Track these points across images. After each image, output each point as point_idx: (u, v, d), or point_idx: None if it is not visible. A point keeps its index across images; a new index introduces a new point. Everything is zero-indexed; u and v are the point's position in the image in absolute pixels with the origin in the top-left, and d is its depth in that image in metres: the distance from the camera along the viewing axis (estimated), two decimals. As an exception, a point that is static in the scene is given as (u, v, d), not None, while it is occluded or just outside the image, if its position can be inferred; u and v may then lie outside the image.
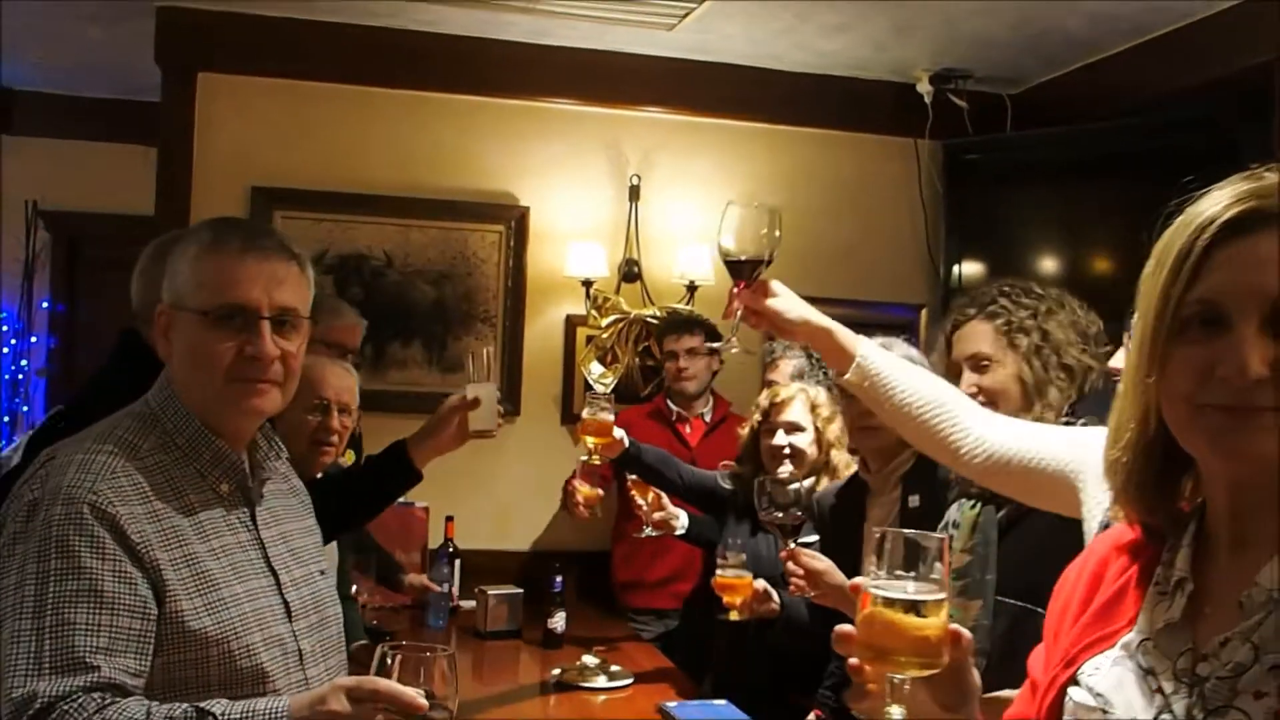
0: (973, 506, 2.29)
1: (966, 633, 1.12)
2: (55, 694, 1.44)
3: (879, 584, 1.11)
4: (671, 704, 2.96)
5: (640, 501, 3.64)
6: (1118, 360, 2.08)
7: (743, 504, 3.30)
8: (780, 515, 2.64)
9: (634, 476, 3.69)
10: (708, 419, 4.59)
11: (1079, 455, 1.79)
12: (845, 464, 3.21)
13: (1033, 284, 2.38)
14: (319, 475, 2.87)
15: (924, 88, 5.11)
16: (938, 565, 1.11)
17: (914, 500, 2.66)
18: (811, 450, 3.27)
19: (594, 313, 5.00)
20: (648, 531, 3.70)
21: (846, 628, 1.12)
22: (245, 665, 1.61)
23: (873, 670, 1.10)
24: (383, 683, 1.41)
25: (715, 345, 2.02)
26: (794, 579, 2.56)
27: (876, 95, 5.26)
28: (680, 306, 4.97)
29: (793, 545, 2.60)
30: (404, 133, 4.94)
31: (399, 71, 4.89)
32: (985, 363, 2.28)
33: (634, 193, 5.08)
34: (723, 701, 2.96)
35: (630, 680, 3.27)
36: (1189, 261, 1.04)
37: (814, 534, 2.93)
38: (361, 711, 1.42)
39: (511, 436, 4.93)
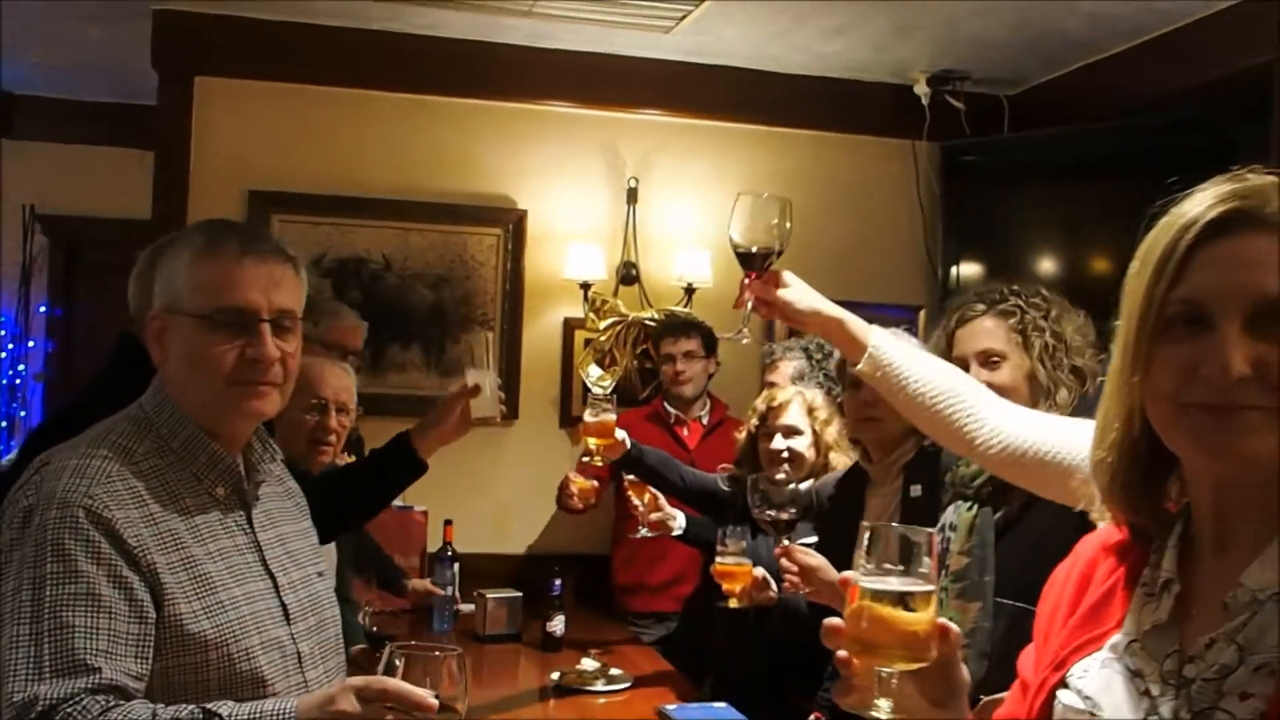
0: (969, 508, 2.28)
1: (954, 627, 1.12)
2: (57, 697, 1.44)
3: (867, 578, 1.10)
4: (671, 707, 2.96)
5: (636, 502, 3.64)
6: None
7: (742, 506, 3.29)
8: (773, 513, 2.64)
9: (631, 477, 3.68)
10: (705, 421, 4.59)
11: None
12: (843, 466, 3.21)
13: (1039, 286, 2.38)
14: (317, 473, 2.88)
15: (921, 89, 5.11)
16: (926, 559, 1.10)
17: (915, 490, 2.65)
18: (809, 453, 3.27)
19: (592, 315, 4.99)
20: (644, 532, 3.69)
21: (835, 621, 1.12)
22: (244, 669, 1.61)
23: (860, 664, 1.10)
24: (392, 682, 1.41)
25: (727, 335, 2.02)
26: (788, 575, 2.56)
27: (874, 97, 5.26)
28: (678, 309, 4.96)
29: (786, 542, 2.60)
30: (402, 136, 4.94)
31: (397, 75, 4.89)
32: (996, 359, 2.27)
33: (632, 195, 5.08)
34: (722, 704, 2.96)
35: (629, 683, 3.27)
36: (1172, 261, 1.05)
37: (812, 535, 2.93)
38: (371, 711, 1.41)
39: (510, 439, 4.94)
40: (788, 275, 1.96)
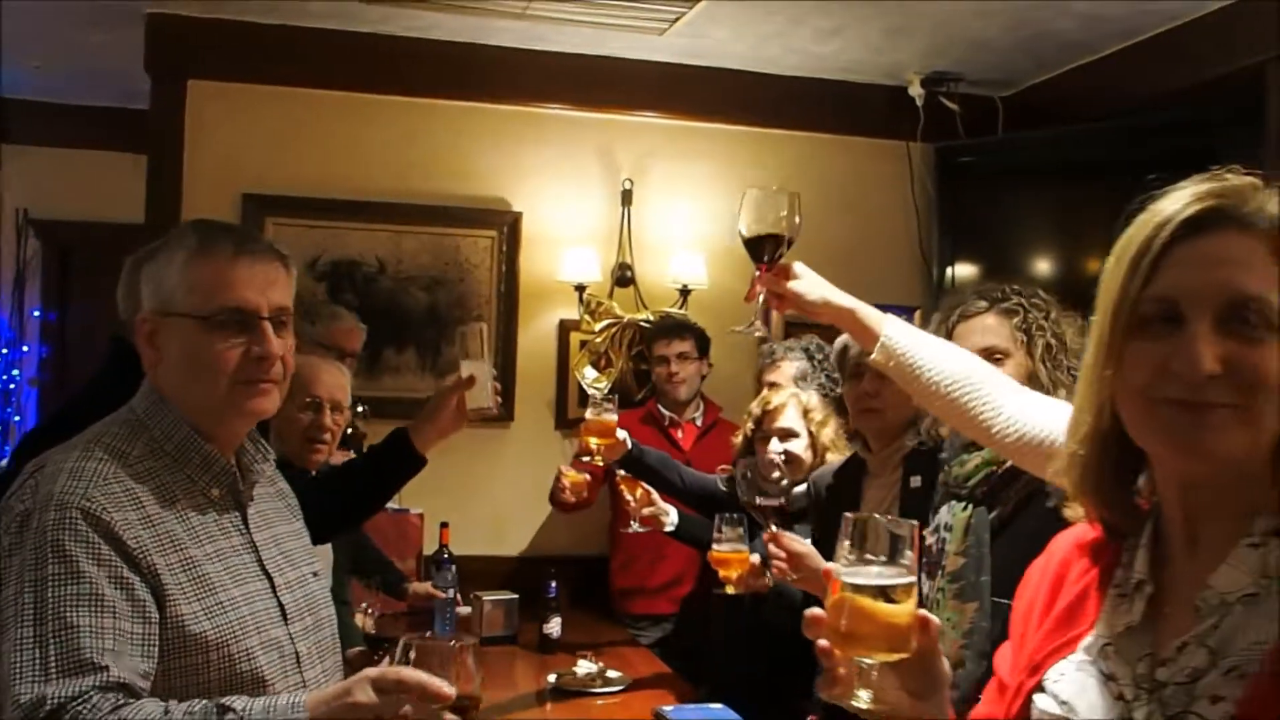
0: (964, 509, 2.29)
1: (934, 619, 1.12)
2: (65, 695, 1.43)
3: (848, 569, 1.11)
4: (668, 708, 2.96)
5: (629, 497, 3.63)
6: None
7: (742, 506, 3.31)
8: (761, 500, 2.65)
9: (623, 472, 3.68)
10: (699, 423, 4.59)
11: None
12: (841, 461, 3.22)
13: (1036, 288, 2.38)
14: (314, 472, 2.88)
15: (916, 90, 5.12)
16: (908, 552, 1.11)
17: (916, 481, 2.65)
18: (806, 455, 3.28)
19: (587, 317, 4.99)
20: (635, 527, 3.69)
21: (816, 611, 1.12)
22: (244, 669, 1.61)
23: (841, 654, 1.10)
24: (408, 672, 1.40)
25: (739, 329, 2.02)
26: (776, 562, 2.56)
27: (868, 98, 5.27)
28: (674, 310, 4.97)
29: (774, 529, 2.61)
30: (395, 138, 4.94)
31: (390, 77, 4.89)
32: (999, 356, 2.27)
33: (626, 197, 5.08)
34: (719, 705, 2.96)
35: (626, 685, 3.27)
36: (1148, 258, 1.06)
37: (806, 537, 2.94)
38: (387, 702, 1.40)
39: (505, 441, 4.94)
40: (798, 266, 1.96)
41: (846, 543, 1.12)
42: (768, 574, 2.83)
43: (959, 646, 2.15)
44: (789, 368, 3.80)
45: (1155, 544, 1.15)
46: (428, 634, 1.42)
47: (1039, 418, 1.83)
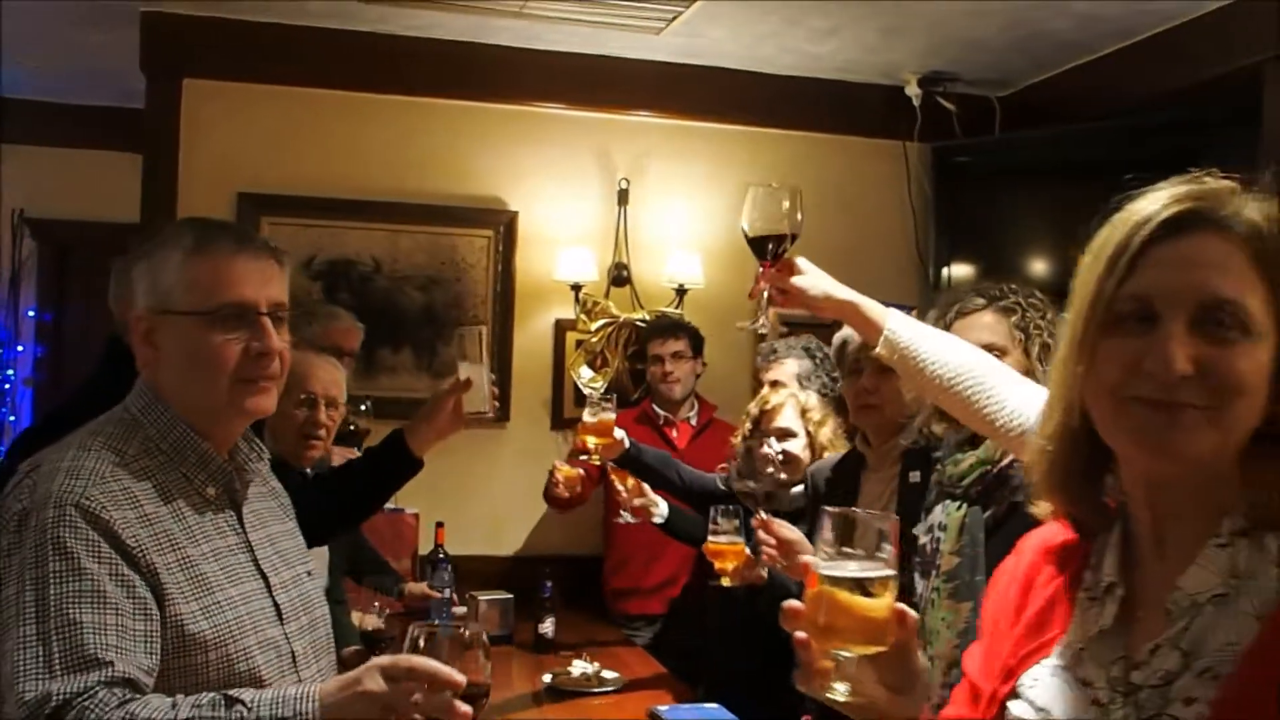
0: (958, 508, 2.29)
1: (912, 613, 1.11)
2: (71, 691, 1.42)
3: (826, 562, 1.11)
4: (663, 708, 2.96)
5: (620, 487, 3.62)
6: None
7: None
8: (752, 485, 2.65)
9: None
10: (694, 423, 4.59)
11: None
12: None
13: (1033, 289, 2.39)
14: (310, 471, 2.88)
15: (912, 90, 5.12)
16: (887, 545, 1.11)
17: (914, 477, 2.65)
18: (804, 455, 3.27)
19: (583, 317, 4.99)
20: (626, 517, 3.69)
21: (794, 603, 1.12)
22: (242, 669, 1.60)
23: (818, 647, 1.10)
24: (419, 660, 1.40)
25: (744, 324, 2.05)
26: (766, 548, 2.56)
27: (865, 98, 5.26)
28: (670, 310, 4.96)
29: (764, 515, 2.61)
30: (392, 137, 4.93)
31: (387, 76, 4.88)
32: (996, 353, 2.27)
33: (623, 196, 5.08)
34: (714, 705, 2.96)
35: (622, 685, 3.27)
36: (1125, 257, 1.07)
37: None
38: (398, 690, 1.39)
39: (501, 441, 4.94)
40: (801, 262, 1.98)
41: (826, 536, 1.12)
42: (764, 567, 2.83)
43: (954, 646, 2.15)
44: (790, 365, 3.80)
45: (1124, 545, 1.15)
46: (437, 623, 1.41)
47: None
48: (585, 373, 4.96)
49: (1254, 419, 1.04)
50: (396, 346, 4.90)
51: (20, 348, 6.35)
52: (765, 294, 1.98)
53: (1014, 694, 1.17)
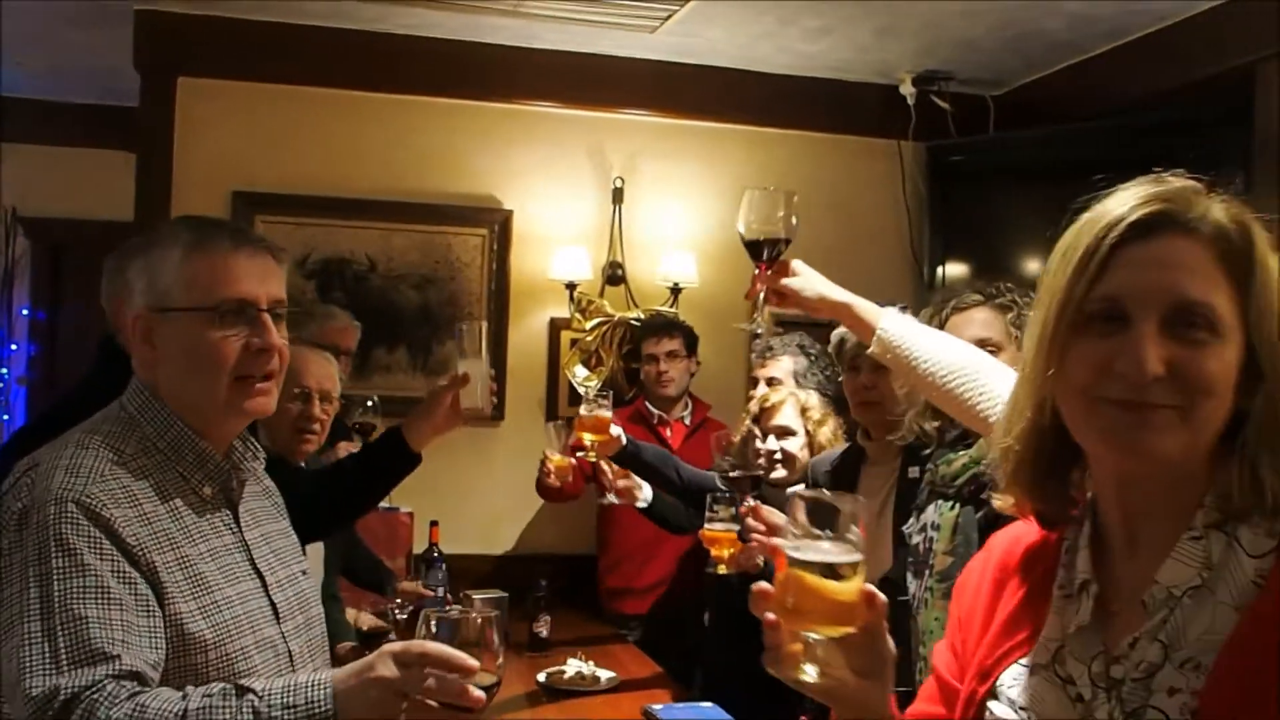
0: (951, 508, 2.29)
1: (881, 595, 1.12)
2: (79, 685, 1.41)
3: (795, 545, 1.11)
4: (657, 706, 2.96)
5: (605, 468, 3.62)
6: None
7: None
8: (738, 472, 2.66)
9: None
10: (688, 422, 4.59)
11: None
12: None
13: (1029, 289, 2.40)
14: (303, 463, 2.88)
15: (907, 89, 5.12)
16: (854, 528, 1.11)
17: (914, 472, 2.66)
18: (803, 454, 3.28)
19: (578, 316, 4.99)
20: (610, 498, 3.68)
21: (764, 585, 1.13)
22: (241, 668, 1.60)
23: (787, 630, 1.11)
24: (432, 645, 1.39)
25: (742, 325, 2.11)
26: (755, 535, 2.56)
27: (860, 97, 5.27)
28: (664, 309, 4.97)
29: (753, 501, 2.61)
30: (386, 136, 4.92)
31: (381, 75, 4.88)
32: (992, 349, 2.29)
33: (617, 195, 5.08)
34: (708, 704, 2.96)
35: (616, 684, 3.27)
36: (1095, 259, 1.08)
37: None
38: (410, 676, 1.38)
39: (496, 440, 4.94)
40: (796, 264, 2.02)
41: (795, 519, 1.12)
42: (759, 555, 2.83)
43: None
44: (786, 363, 3.80)
45: (1094, 542, 1.16)
46: (449, 609, 1.41)
47: None
48: (580, 371, 4.96)
49: (1222, 417, 1.06)
50: (391, 345, 4.90)
51: (14, 346, 6.34)
52: (761, 295, 2.01)
53: (992, 694, 1.18)
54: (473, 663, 1.38)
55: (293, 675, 1.51)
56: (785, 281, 2.00)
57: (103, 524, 1.52)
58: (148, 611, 1.52)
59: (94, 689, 1.41)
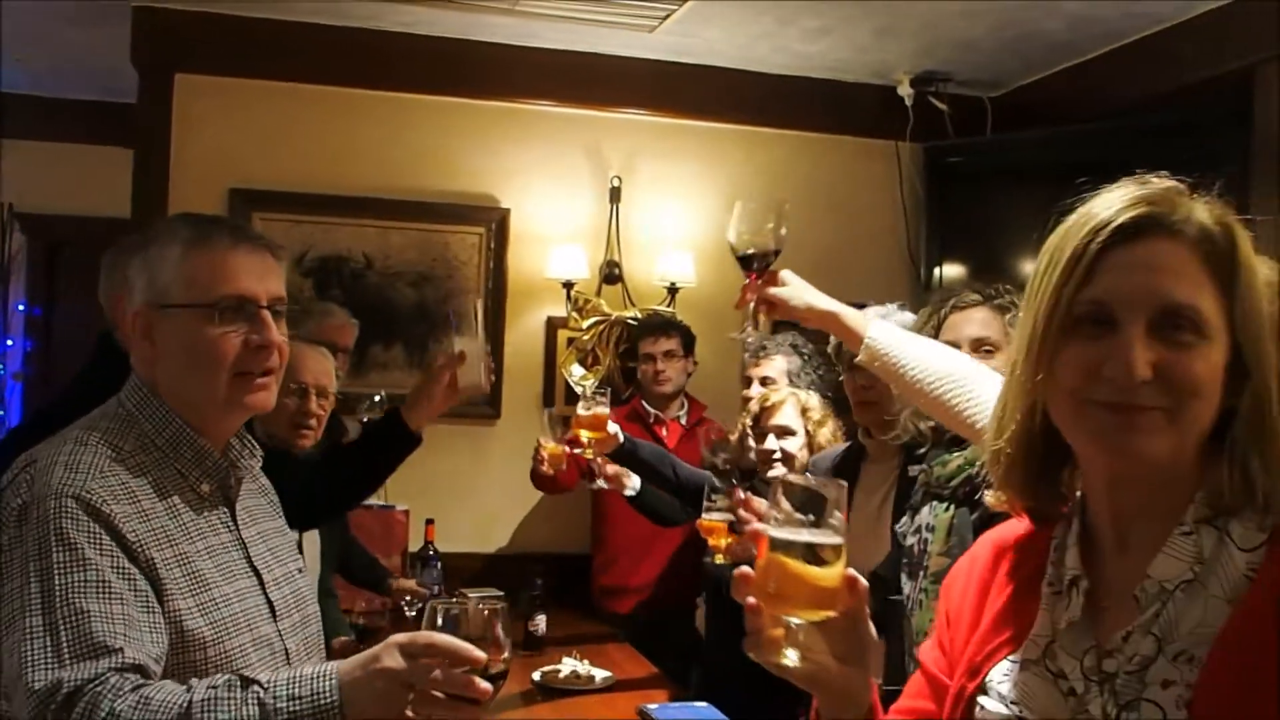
0: (946, 509, 2.30)
1: (862, 580, 1.13)
2: (82, 678, 1.40)
3: (777, 529, 1.12)
4: (652, 706, 2.96)
5: (586, 440, 3.62)
6: None
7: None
8: (723, 461, 2.67)
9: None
10: (684, 421, 4.59)
11: None
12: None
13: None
14: (311, 454, 2.88)
15: (905, 90, 5.12)
16: (837, 513, 1.12)
17: (915, 470, 2.67)
18: (802, 454, 3.28)
19: (575, 315, 4.99)
20: (600, 483, 3.68)
21: (745, 570, 1.14)
22: (238, 666, 1.59)
23: (769, 614, 1.11)
24: (438, 636, 1.39)
25: (734, 335, 2.16)
26: (746, 526, 2.57)
27: (858, 98, 5.27)
28: (661, 308, 4.96)
29: (742, 493, 2.62)
30: (384, 134, 4.92)
31: (379, 73, 4.87)
32: (989, 348, 2.33)
33: (615, 194, 5.08)
34: (703, 704, 2.96)
35: (612, 683, 3.27)
36: (1082, 263, 1.09)
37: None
38: (417, 667, 1.38)
39: (492, 438, 4.94)
40: (785, 274, 2.04)
41: (777, 504, 1.13)
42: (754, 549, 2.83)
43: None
44: (779, 362, 3.80)
45: (1083, 539, 1.17)
46: (455, 598, 1.40)
47: None
48: (577, 370, 4.96)
49: (1210, 417, 1.07)
50: (388, 343, 4.89)
51: (10, 342, 6.34)
52: (751, 305, 2.05)
53: (982, 690, 1.19)
54: (479, 654, 1.38)
55: (298, 667, 1.50)
56: (774, 291, 2.02)
57: (103, 519, 1.52)
58: (148, 607, 1.51)
59: (97, 682, 1.40)
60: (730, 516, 2.82)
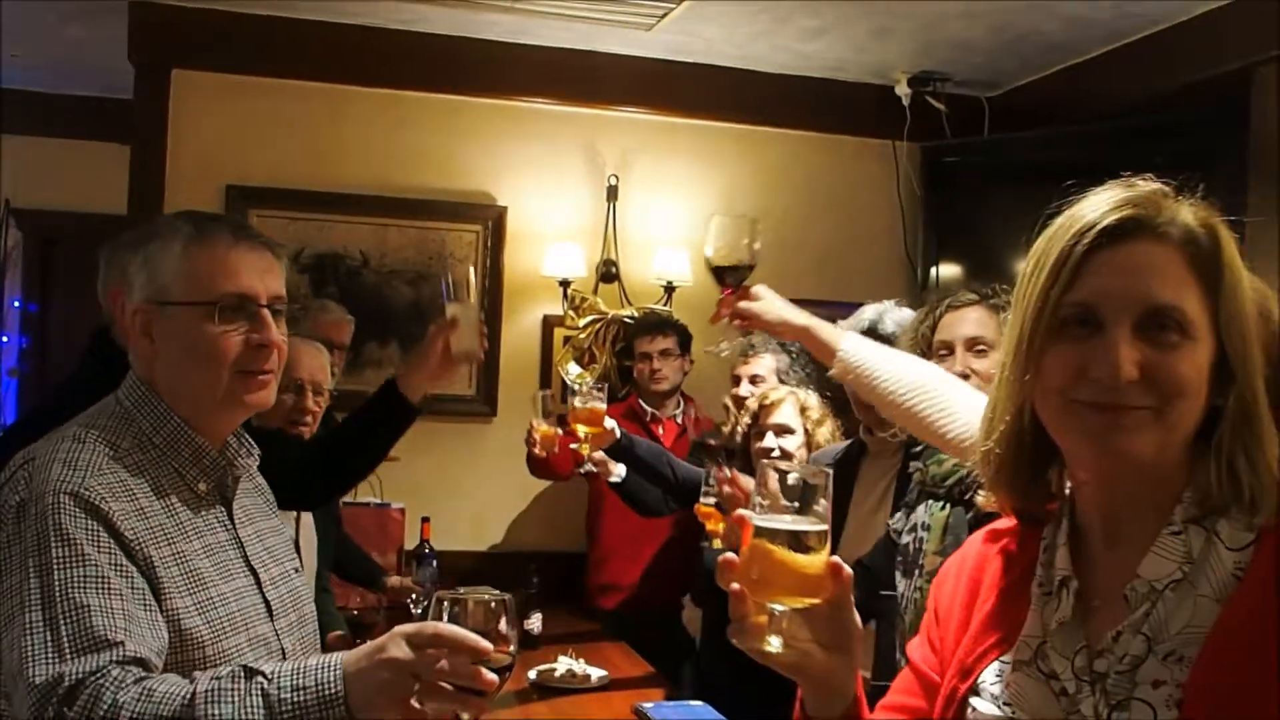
0: (941, 508, 2.30)
1: (847, 567, 1.13)
2: (83, 672, 1.39)
3: (761, 515, 1.12)
4: (647, 704, 2.96)
5: (582, 435, 3.62)
6: None
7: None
8: (714, 441, 2.68)
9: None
10: (680, 420, 4.59)
11: None
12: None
13: None
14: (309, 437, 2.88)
15: (902, 90, 5.12)
16: (822, 501, 1.12)
17: (914, 466, 2.68)
18: (801, 453, 3.28)
19: (571, 313, 4.99)
20: (588, 467, 3.68)
21: (730, 556, 1.14)
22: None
23: (753, 600, 1.12)
24: (446, 626, 1.38)
25: (710, 349, 2.22)
26: (735, 504, 2.57)
27: (855, 97, 5.27)
28: (658, 307, 4.96)
29: (729, 470, 2.63)
30: (380, 131, 4.92)
31: (376, 70, 4.87)
32: (983, 347, 2.35)
33: (612, 193, 5.08)
34: (699, 703, 2.96)
35: (607, 682, 3.27)
36: (1068, 265, 1.10)
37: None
38: (423, 657, 1.36)
39: (488, 436, 4.94)
40: (758, 288, 2.11)
41: (761, 489, 1.13)
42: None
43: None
44: (768, 360, 3.81)
45: (1073, 540, 1.18)
46: (461, 590, 1.39)
47: None
48: (573, 369, 4.96)
49: (1196, 416, 1.09)
50: (384, 341, 4.89)
51: (4, 338, 6.33)
52: (726, 320, 2.12)
53: (974, 691, 1.20)
54: (486, 645, 1.36)
55: (303, 658, 1.49)
56: (748, 305, 2.08)
57: (101, 517, 1.52)
58: (146, 604, 1.51)
59: (99, 675, 1.40)
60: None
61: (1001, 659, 1.18)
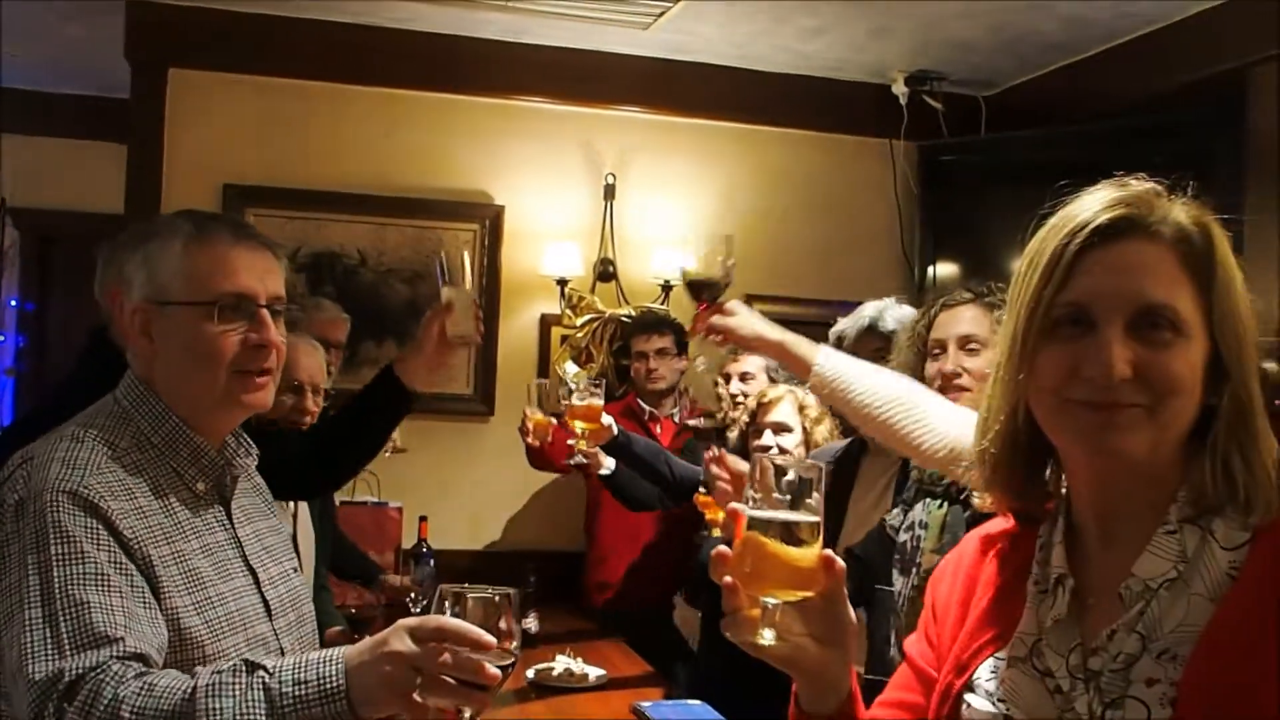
0: (939, 506, 2.31)
1: (840, 561, 1.13)
2: (84, 667, 1.39)
3: (754, 508, 1.12)
4: (645, 704, 2.95)
5: (580, 431, 3.62)
6: None
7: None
8: (705, 421, 2.69)
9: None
10: (677, 419, 4.59)
11: None
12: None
13: None
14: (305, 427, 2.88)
15: (899, 89, 5.12)
16: (815, 494, 1.12)
17: (914, 464, 2.68)
18: (799, 451, 3.28)
19: (569, 312, 4.99)
20: (579, 458, 3.68)
21: (723, 549, 1.14)
22: None
23: (746, 593, 1.12)
24: (449, 620, 1.37)
25: (694, 364, 2.29)
26: (720, 483, 2.57)
27: (852, 96, 5.27)
28: (655, 306, 4.97)
29: (717, 450, 2.63)
30: (378, 130, 4.92)
31: (373, 68, 4.87)
32: (975, 346, 2.35)
33: (609, 192, 5.07)
34: (697, 702, 2.96)
35: (605, 681, 3.27)
36: (1061, 265, 1.10)
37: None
38: (426, 651, 1.35)
39: (485, 435, 4.94)
40: (734, 304, 2.16)
41: (755, 482, 1.13)
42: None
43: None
44: (758, 358, 3.80)
45: (1068, 538, 1.19)
46: (465, 585, 1.39)
47: (967, 430, 1.88)
48: (570, 368, 4.96)
49: (1190, 414, 1.09)
50: (380, 340, 4.89)
51: (2, 338, 6.32)
52: (703, 334, 2.18)
53: (969, 687, 1.20)
54: (489, 639, 1.35)
55: (304, 653, 1.48)
56: (722, 320, 2.13)
57: (99, 515, 1.51)
58: (145, 603, 1.51)
59: (99, 670, 1.39)
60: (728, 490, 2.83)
61: (996, 655, 1.19)
